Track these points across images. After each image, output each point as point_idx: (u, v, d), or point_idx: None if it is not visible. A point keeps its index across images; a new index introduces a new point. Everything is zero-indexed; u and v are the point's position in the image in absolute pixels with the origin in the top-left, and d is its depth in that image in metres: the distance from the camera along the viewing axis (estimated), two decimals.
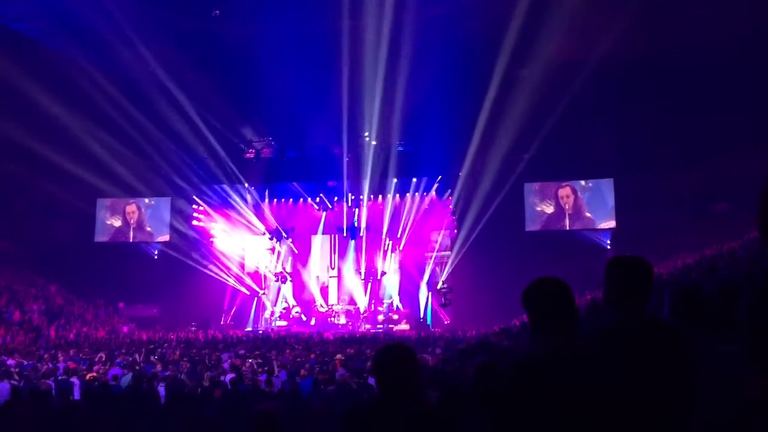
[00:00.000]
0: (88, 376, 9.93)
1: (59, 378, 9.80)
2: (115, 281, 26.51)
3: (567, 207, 25.58)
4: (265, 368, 11.07)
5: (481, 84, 21.98)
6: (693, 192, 22.39)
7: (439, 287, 25.60)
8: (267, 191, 28.71)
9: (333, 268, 28.09)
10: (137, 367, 11.62)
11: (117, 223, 28.65)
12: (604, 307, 2.63)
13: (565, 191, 25.65)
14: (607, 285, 2.50)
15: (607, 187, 25.14)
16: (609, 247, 24.84)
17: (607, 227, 25.12)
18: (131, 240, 28.60)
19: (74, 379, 9.64)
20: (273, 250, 28.49)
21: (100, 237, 28.57)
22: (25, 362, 12.91)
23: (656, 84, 21.33)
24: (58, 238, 27.07)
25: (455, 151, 24.71)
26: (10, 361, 12.83)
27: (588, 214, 25.42)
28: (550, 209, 25.78)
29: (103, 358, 13.49)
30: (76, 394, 8.93)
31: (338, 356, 11.69)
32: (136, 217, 28.57)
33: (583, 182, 25.63)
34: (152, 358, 13.88)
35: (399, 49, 21.50)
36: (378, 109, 23.79)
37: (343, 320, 26.10)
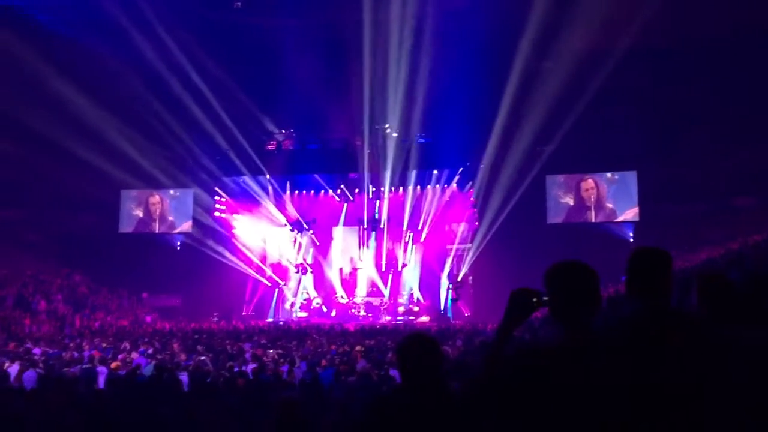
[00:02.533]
0: (112, 365, 10.06)
1: (84, 366, 9.92)
2: (138, 271, 26.74)
3: (591, 199, 25.33)
4: (287, 359, 11.12)
5: (503, 75, 21.77)
6: (717, 184, 22.06)
7: (459, 280, 25.57)
8: (288, 183, 28.79)
9: (362, 260, 28.10)
10: (159, 356, 11.75)
11: (141, 214, 28.94)
12: (626, 299, 2.61)
13: (588, 184, 25.37)
14: (628, 276, 2.49)
15: (631, 179, 24.84)
16: (632, 239, 24.56)
17: (630, 220, 24.84)
18: (156, 231, 28.88)
19: (99, 368, 9.75)
20: (294, 241, 28.60)
21: (125, 228, 28.88)
22: (51, 351, 13.09)
23: (680, 74, 21.00)
24: (83, 229, 27.43)
25: (476, 143, 24.51)
26: (36, 350, 13.02)
27: (611, 206, 25.15)
28: (574, 202, 25.56)
29: (128, 347, 13.65)
30: (101, 383, 9.04)
31: (358, 347, 11.70)
32: (160, 209, 28.83)
33: (609, 175, 25.33)
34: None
35: (421, 40, 21.41)
36: (399, 101, 23.70)
37: (363, 312, 26.17)
